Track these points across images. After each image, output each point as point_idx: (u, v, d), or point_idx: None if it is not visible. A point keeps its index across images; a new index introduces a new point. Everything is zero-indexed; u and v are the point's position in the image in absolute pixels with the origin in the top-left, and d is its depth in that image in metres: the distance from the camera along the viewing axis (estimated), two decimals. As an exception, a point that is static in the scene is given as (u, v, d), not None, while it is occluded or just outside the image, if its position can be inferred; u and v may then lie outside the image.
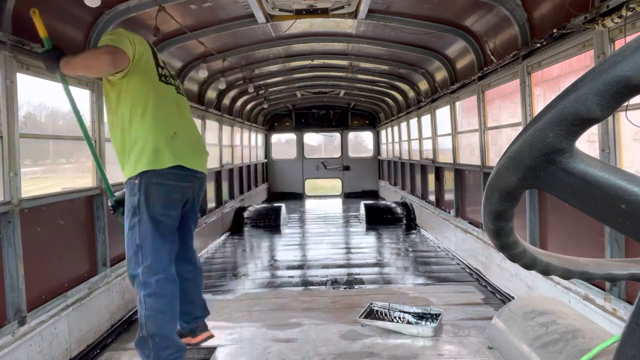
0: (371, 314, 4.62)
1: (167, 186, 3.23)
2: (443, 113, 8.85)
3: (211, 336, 4.04)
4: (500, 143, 6.69)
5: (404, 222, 11.21)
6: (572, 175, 0.50)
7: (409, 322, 4.43)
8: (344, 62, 9.92)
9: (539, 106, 5.07)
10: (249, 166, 14.81)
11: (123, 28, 3.77)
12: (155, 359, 3.30)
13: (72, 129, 5.74)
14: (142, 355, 3.38)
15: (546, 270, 0.73)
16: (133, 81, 3.24)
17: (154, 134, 3.21)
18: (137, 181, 3.22)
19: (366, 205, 11.73)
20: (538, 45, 4.65)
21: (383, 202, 13.83)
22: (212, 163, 10.03)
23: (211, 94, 9.80)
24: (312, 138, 19.22)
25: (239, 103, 12.43)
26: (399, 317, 4.52)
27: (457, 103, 7.94)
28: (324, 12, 6.10)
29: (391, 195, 14.62)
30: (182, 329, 3.86)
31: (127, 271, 3.44)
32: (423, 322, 4.43)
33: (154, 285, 3.25)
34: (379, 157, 17.95)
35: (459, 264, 7.26)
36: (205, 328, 4.03)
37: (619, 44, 3.58)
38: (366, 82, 12.29)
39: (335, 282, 6.40)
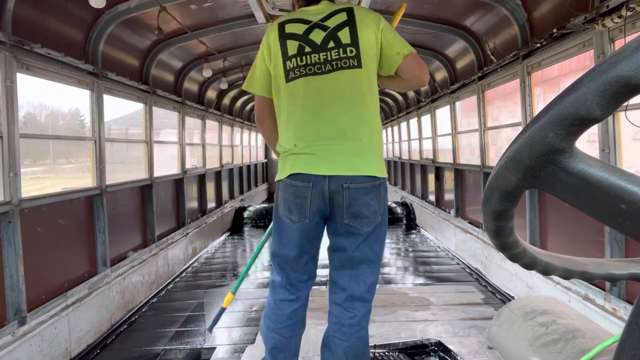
0: None
1: (284, 184, 2.59)
2: (443, 113, 8.85)
3: None
4: (500, 143, 6.68)
5: (404, 222, 11.20)
6: (572, 175, 0.50)
7: None
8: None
9: (539, 106, 5.06)
10: (249, 166, 14.80)
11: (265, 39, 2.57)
12: None
13: (72, 129, 5.74)
14: None
15: (546, 270, 0.73)
16: (273, 95, 2.69)
17: (283, 146, 2.60)
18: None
19: None
20: (538, 45, 4.65)
21: (383, 202, 13.78)
22: (212, 163, 10.04)
23: (211, 94, 9.80)
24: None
25: (239, 103, 12.42)
26: None
27: (457, 103, 7.93)
28: (324, 12, 6.09)
29: (391, 195, 14.61)
30: None
31: None
32: None
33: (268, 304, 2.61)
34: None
35: (459, 264, 7.26)
36: None
37: (619, 44, 3.58)
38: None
39: (335, 282, 6.37)
